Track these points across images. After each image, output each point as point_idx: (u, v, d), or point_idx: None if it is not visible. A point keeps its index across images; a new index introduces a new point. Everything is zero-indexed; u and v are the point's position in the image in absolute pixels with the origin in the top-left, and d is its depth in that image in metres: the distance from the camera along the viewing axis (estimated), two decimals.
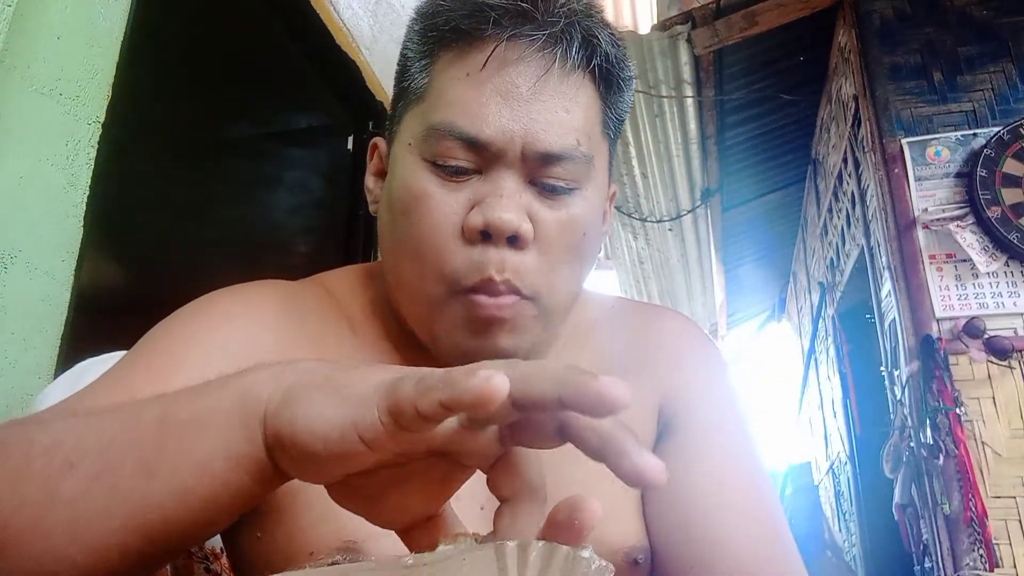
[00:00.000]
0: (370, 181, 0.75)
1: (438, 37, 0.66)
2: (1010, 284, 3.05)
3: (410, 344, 0.71)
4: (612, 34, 0.68)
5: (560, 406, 0.33)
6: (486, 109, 0.62)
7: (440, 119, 0.64)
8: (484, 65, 0.63)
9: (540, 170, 0.64)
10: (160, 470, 0.40)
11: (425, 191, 0.64)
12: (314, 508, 0.61)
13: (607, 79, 0.67)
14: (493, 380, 0.31)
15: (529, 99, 0.63)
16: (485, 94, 0.63)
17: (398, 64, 0.72)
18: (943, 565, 2.81)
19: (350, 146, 2.24)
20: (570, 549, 0.36)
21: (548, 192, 0.65)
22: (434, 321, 0.66)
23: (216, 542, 0.83)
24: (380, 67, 2.12)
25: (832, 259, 4.75)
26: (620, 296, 0.89)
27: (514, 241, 0.62)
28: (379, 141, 0.76)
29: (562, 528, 0.38)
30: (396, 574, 0.35)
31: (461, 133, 0.62)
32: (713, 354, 0.80)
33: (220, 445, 0.39)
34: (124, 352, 0.65)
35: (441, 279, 0.64)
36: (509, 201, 0.62)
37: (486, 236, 0.62)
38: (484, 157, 0.63)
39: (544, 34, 0.62)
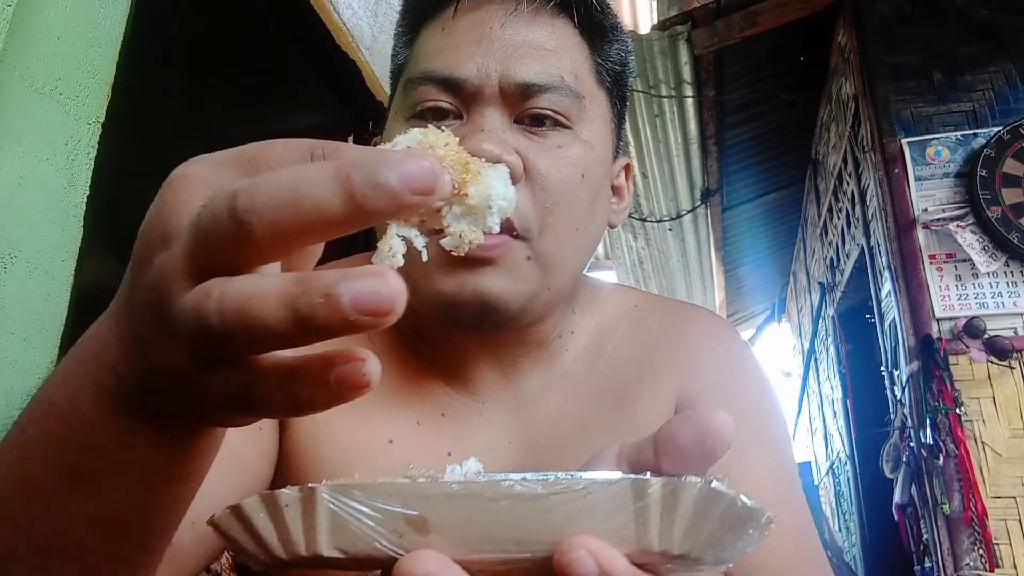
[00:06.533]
0: None
1: (417, 10, 0.68)
2: (1010, 284, 3.05)
3: (417, 352, 0.71)
4: None
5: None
6: (460, 51, 0.63)
7: (417, 71, 0.64)
8: (455, 13, 0.64)
9: (523, 104, 0.62)
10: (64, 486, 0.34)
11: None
12: None
13: (588, 22, 0.67)
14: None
15: (502, 36, 0.63)
16: (458, 37, 0.63)
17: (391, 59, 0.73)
18: (943, 565, 2.81)
19: None
20: (736, 497, 0.30)
21: (537, 127, 0.62)
22: (412, 268, 0.63)
23: None
24: (380, 67, 2.12)
25: (832, 259, 4.75)
26: (645, 292, 0.84)
27: None
28: (379, 139, 0.76)
29: (684, 452, 0.32)
30: (495, 506, 0.29)
31: (436, 75, 0.62)
32: (738, 352, 0.75)
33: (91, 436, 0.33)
34: None
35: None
36: (490, 135, 0.60)
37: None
38: (463, 98, 0.62)
39: None
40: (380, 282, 0.24)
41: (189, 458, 0.34)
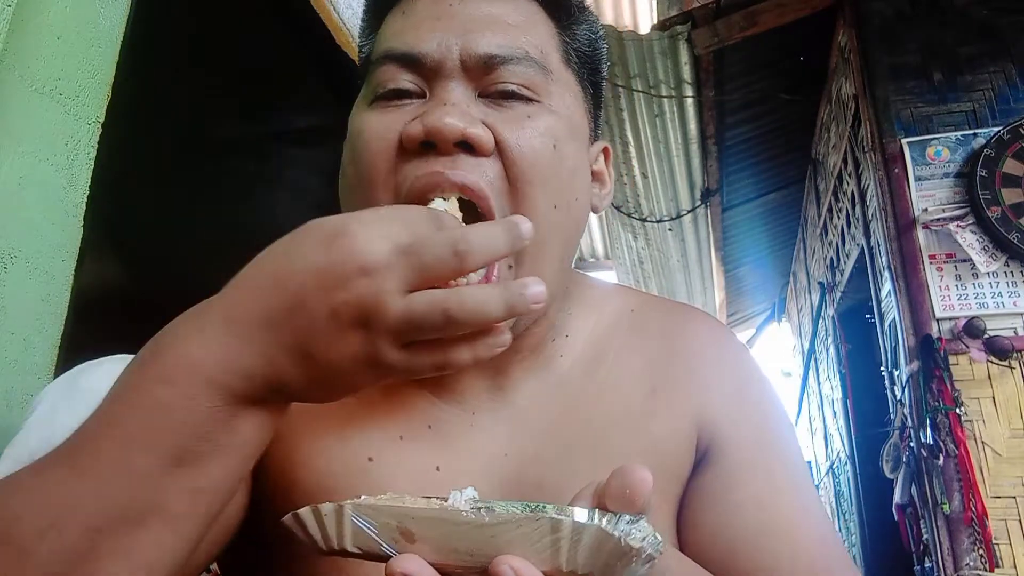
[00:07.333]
0: None
1: (378, 6, 0.68)
2: (1010, 284, 3.05)
3: None
4: None
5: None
6: (420, 28, 0.62)
7: (378, 52, 0.63)
8: None
9: (487, 76, 0.60)
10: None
11: (364, 123, 0.62)
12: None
13: (552, 2, 0.66)
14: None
15: (463, 11, 0.62)
16: (418, 17, 0.63)
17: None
18: (943, 565, 2.81)
19: None
20: (621, 538, 0.40)
21: (503, 101, 0.61)
22: None
23: None
24: None
25: (832, 259, 4.75)
26: (642, 294, 0.80)
27: (467, 149, 0.58)
28: None
29: (615, 498, 0.41)
30: (457, 528, 0.41)
31: (396, 53, 0.61)
32: (746, 362, 0.73)
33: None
34: (123, 355, 0.65)
35: (376, 201, 0.59)
36: (453, 108, 0.58)
37: (429, 147, 0.58)
38: (424, 75, 0.61)
39: None
40: (542, 284, 0.43)
41: (270, 433, 0.46)
